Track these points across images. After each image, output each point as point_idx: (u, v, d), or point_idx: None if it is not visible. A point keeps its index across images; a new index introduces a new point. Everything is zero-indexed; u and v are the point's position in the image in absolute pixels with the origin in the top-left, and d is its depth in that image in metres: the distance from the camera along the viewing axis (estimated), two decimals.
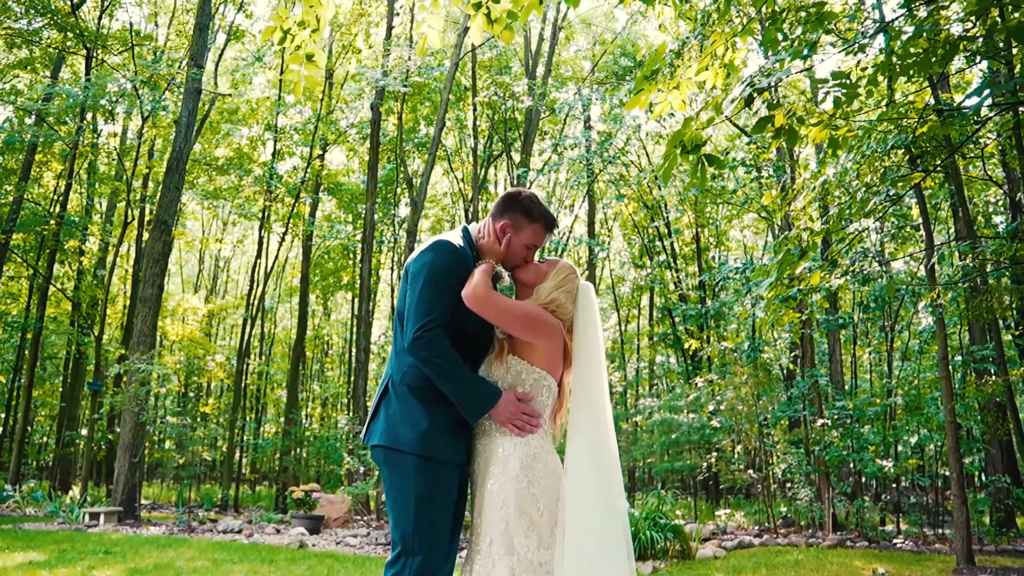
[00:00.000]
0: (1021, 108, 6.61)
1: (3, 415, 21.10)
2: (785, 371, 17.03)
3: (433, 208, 24.26)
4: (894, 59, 4.94)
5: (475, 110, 19.48)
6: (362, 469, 13.25)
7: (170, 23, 20.26)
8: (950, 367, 7.94)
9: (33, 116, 16.57)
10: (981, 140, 8.25)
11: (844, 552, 9.00)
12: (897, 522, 11.59)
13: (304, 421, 24.62)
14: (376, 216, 19.07)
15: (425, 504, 2.37)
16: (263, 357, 26.05)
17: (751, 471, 12.96)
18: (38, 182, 19.74)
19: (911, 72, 4.83)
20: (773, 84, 4.12)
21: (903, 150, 6.84)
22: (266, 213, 20.05)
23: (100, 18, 18.38)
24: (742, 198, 17.80)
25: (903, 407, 11.63)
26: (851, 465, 11.76)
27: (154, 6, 21.05)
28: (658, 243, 21.76)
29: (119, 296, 23.57)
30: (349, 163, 24.21)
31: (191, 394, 27.78)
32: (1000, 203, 13.45)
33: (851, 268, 7.66)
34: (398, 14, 18.30)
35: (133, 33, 17.49)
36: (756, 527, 12.16)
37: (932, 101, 6.96)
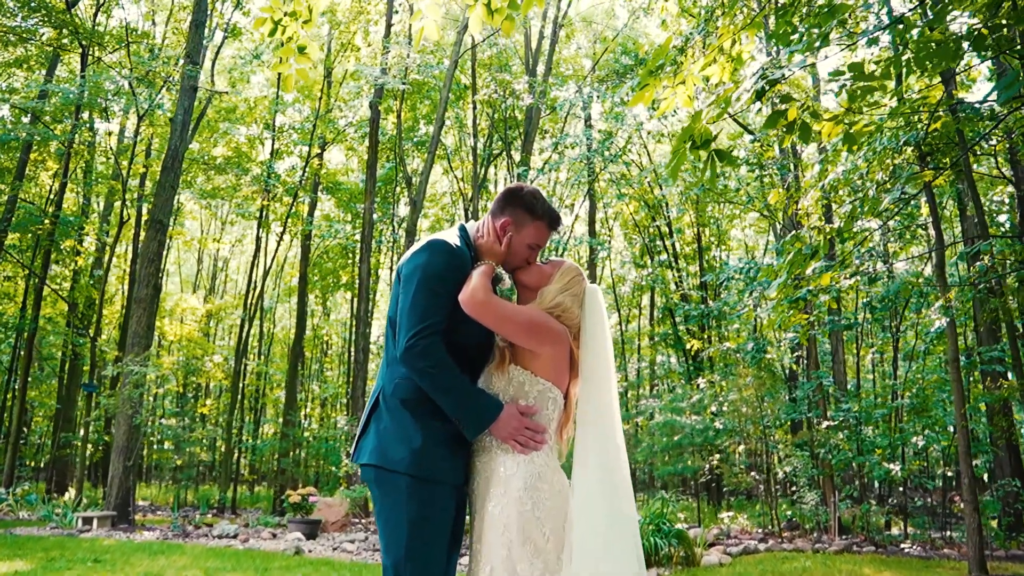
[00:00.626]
0: None
1: None
2: (787, 372, 16.86)
3: (432, 208, 24.11)
4: (908, 52, 4.76)
5: (475, 108, 19.32)
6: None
7: (167, 21, 20.10)
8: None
9: (29, 115, 16.38)
10: (992, 137, 8.07)
11: (852, 558, 8.82)
12: (904, 526, 11.41)
13: (303, 421, 24.49)
14: (375, 215, 18.91)
15: (419, 528, 2.16)
16: (262, 357, 25.89)
17: (754, 473, 12.80)
18: (34, 181, 19.58)
19: (926, 65, 4.65)
20: (785, 76, 3.94)
21: (912, 147, 6.66)
22: (264, 212, 19.91)
23: (96, 15, 18.20)
24: (744, 197, 17.66)
25: (909, 409, 11.45)
26: (856, 468, 11.59)
27: (151, 3, 20.86)
28: (659, 242, 21.64)
29: (117, 296, 23.41)
30: (348, 162, 24.09)
31: (190, 395, 27.64)
32: (1007, 202, 13.27)
33: (859, 268, 7.48)
34: (397, 11, 18.12)
35: (129, 31, 17.31)
36: (760, 530, 11.99)
37: (944, 97, 6.76)
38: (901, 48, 5.14)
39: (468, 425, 2.21)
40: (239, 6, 17.51)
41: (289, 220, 19.86)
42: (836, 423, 11.39)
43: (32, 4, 15.10)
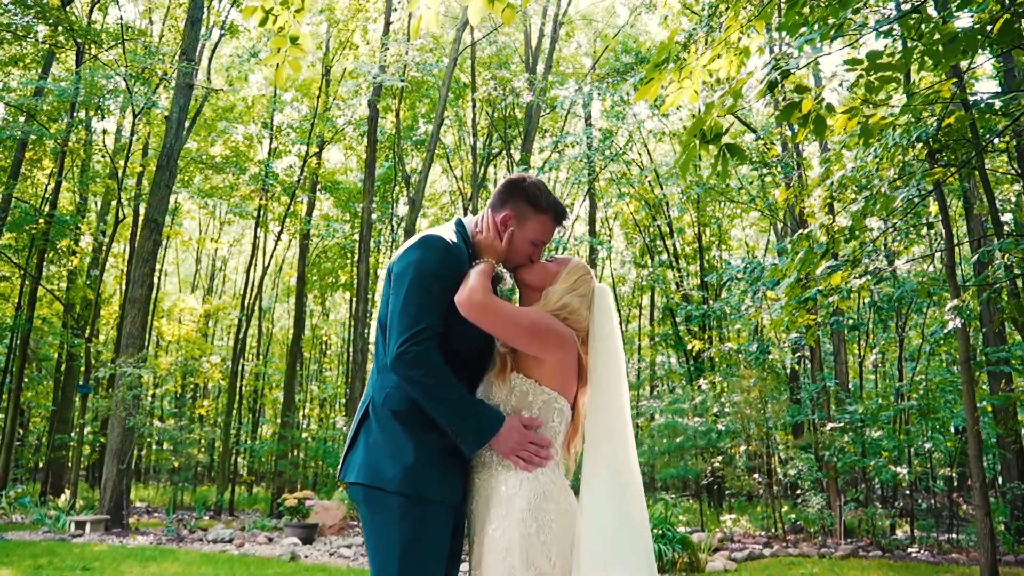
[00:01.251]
0: None
1: None
2: (789, 373, 16.71)
3: (432, 207, 23.97)
4: (920, 45, 4.59)
5: (474, 107, 19.16)
6: None
7: (164, 19, 19.94)
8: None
9: (25, 114, 16.20)
10: (1005, 134, 7.88)
11: (859, 564, 8.65)
12: (912, 529, 11.24)
13: (302, 422, 24.33)
14: (374, 215, 18.75)
15: (412, 553, 1.96)
16: (260, 358, 25.72)
17: (756, 475, 12.64)
18: (30, 180, 19.40)
19: (941, 60, 4.49)
20: (799, 67, 3.76)
21: (922, 144, 6.49)
22: (262, 212, 19.76)
23: (91, 12, 18.03)
24: (746, 196, 17.50)
25: (916, 410, 11.27)
26: (860, 471, 11.42)
27: (149, 1, 20.69)
28: (659, 242, 21.51)
29: (115, 296, 23.23)
30: (346, 161, 23.95)
31: (188, 395, 27.49)
32: (1012, 200, 13.09)
33: (868, 268, 7.30)
34: (396, 9, 17.97)
35: (125, 28, 17.13)
36: (763, 533, 11.82)
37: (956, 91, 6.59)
38: (913, 42, 4.97)
39: (466, 439, 2.01)
40: (236, 3, 17.33)
41: (287, 219, 19.72)
42: (842, 425, 11.22)
43: (27, 1, 14.92)
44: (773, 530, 11.75)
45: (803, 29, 4.94)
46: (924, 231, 13.98)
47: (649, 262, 21.52)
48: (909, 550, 10.12)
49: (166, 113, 15.90)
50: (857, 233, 5.47)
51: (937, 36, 4.50)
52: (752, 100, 3.81)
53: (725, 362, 16.80)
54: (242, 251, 29.42)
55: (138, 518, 14.20)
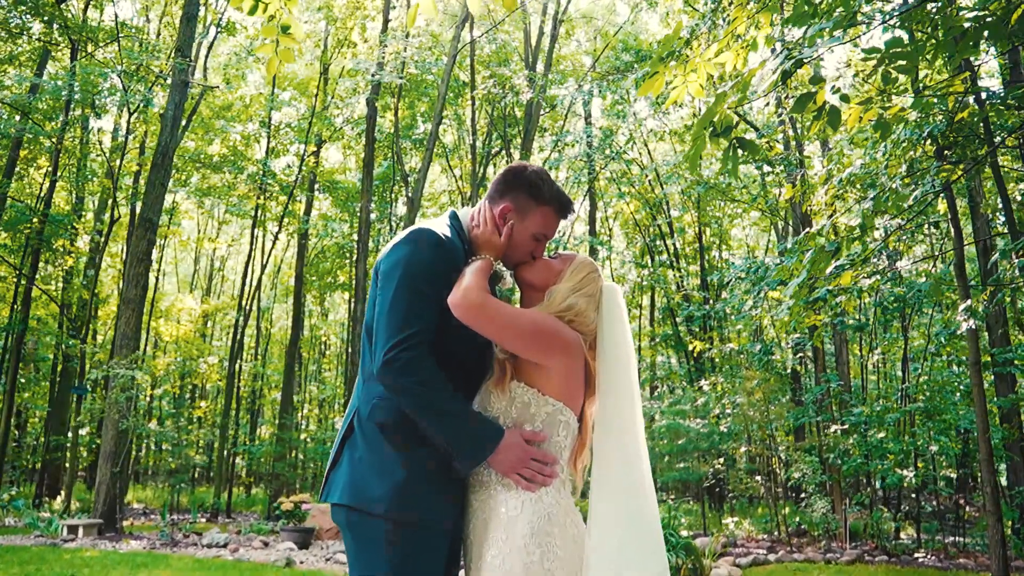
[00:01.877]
0: None
1: None
2: (791, 374, 16.55)
3: (431, 207, 23.82)
4: (931, 40, 4.44)
5: (474, 105, 19.00)
6: None
7: (161, 16, 19.77)
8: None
9: (20, 112, 16.02)
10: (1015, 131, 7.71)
11: (866, 570, 8.48)
12: (917, 533, 11.07)
13: (301, 423, 24.16)
14: (372, 214, 18.60)
15: None
16: (258, 358, 25.56)
17: (758, 477, 12.48)
18: (25, 179, 19.22)
19: (955, 53, 4.33)
20: (815, 55, 3.60)
21: (930, 141, 6.32)
22: (260, 211, 19.60)
23: (86, 9, 17.86)
24: (747, 195, 17.34)
25: (922, 412, 11.10)
26: (865, 473, 11.25)
27: None
28: (660, 242, 21.36)
29: (112, 297, 23.06)
30: (345, 160, 23.81)
31: (186, 396, 27.33)
32: (1018, 199, 12.93)
33: (877, 267, 7.13)
34: (395, 7, 17.82)
35: (120, 25, 16.95)
36: (766, 536, 11.66)
37: (968, 86, 6.42)
38: (924, 35, 4.81)
39: (462, 456, 1.80)
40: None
41: (285, 219, 19.56)
42: (847, 427, 11.05)
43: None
44: (776, 533, 11.58)
45: (811, 20, 4.79)
46: (927, 230, 13.82)
47: (649, 262, 21.38)
48: (915, 555, 9.96)
49: (162, 111, 15.72)
50: (869, 232, 5.30)
51: (950, 23, 4.34)
52: (764, 91, 3.63)
53: (726, 363, 16.64)
54: (240, 251, 29.27)
55: (133, 521, 14.02)
